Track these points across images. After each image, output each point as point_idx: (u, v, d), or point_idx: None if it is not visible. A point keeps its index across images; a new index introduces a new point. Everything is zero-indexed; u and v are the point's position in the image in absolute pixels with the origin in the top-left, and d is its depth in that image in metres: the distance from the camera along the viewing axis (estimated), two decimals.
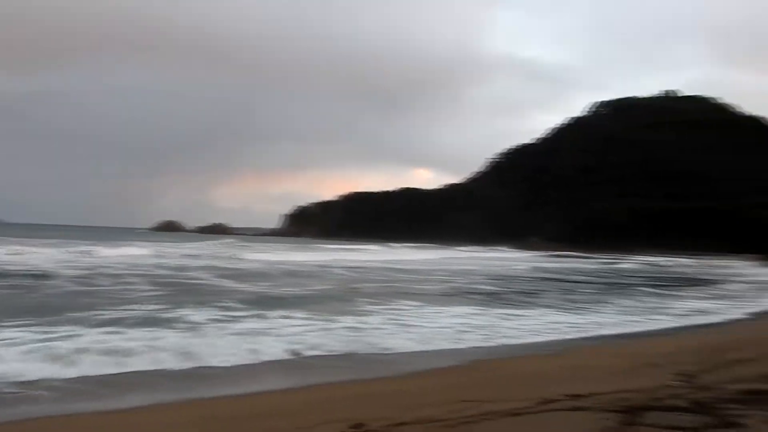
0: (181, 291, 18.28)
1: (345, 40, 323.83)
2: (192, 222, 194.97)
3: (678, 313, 18.08)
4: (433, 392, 7.20)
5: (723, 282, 36.18)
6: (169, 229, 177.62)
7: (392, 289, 21.64)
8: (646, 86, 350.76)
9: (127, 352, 8.83)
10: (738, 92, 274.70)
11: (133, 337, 9.91)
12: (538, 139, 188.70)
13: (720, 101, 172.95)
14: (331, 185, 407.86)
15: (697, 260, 77.07)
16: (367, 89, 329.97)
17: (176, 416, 6.45)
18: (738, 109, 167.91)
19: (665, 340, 12.48)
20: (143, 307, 13.68)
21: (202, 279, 23.25)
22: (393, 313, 14.40)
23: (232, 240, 64.97)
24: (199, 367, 8.56)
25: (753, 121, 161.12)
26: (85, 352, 8.66)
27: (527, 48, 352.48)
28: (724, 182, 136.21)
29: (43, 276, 20.87)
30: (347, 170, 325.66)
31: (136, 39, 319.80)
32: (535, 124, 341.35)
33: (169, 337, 10.13)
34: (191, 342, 9.82)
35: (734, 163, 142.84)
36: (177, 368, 8.44)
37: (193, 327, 11.39)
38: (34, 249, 34.81)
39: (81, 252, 34.87)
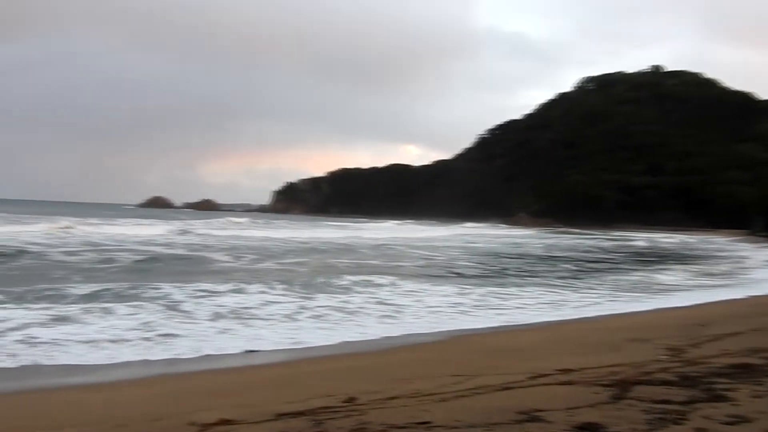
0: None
1: (332, 19, 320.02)
2: (179, 198, 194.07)
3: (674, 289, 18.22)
4: (421, 366, 7.21)
5: (725, 258, 36.10)
6: (157, 205, 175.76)
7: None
8: (634, 61, 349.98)
9: None
10: (725, 67, 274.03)
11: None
12: (525, 114, 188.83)
13: (705, 76, 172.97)
14: (318, 162, 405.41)
15: (694, 236, 77.74)
16: (354, 66, 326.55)
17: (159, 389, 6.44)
18: (723, 84, 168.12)
19: (653, 316, 12.58)
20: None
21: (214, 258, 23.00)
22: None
23: (240, 219, 64.91)
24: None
25: (739, 96, 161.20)
26: None
27: (513, 22, 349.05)
28: (703, 158, 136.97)
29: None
30: (335, 147, 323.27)
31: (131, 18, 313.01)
32: (524, 99, 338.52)
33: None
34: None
35: (715, 138, 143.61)
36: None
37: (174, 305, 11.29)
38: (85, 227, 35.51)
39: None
